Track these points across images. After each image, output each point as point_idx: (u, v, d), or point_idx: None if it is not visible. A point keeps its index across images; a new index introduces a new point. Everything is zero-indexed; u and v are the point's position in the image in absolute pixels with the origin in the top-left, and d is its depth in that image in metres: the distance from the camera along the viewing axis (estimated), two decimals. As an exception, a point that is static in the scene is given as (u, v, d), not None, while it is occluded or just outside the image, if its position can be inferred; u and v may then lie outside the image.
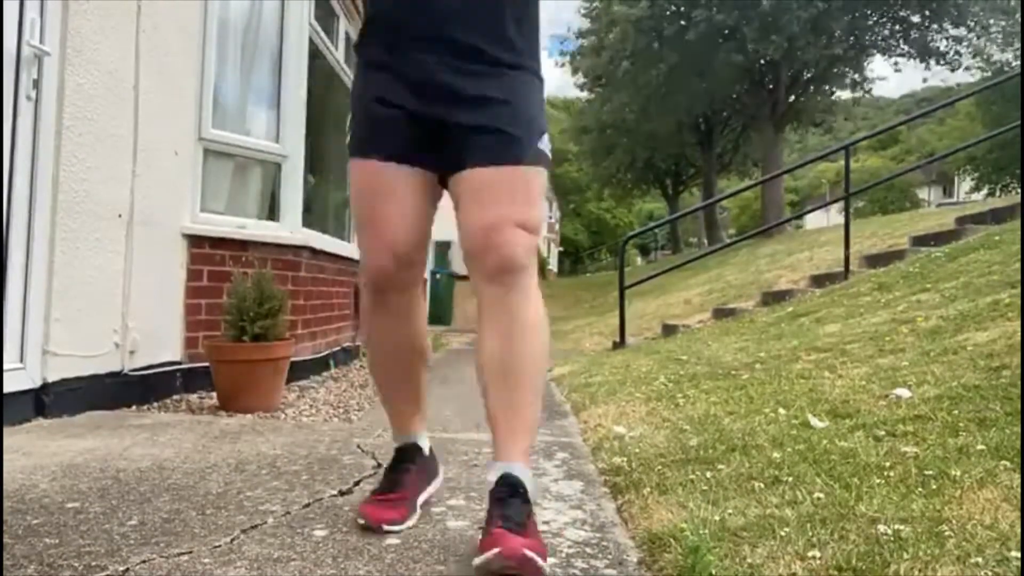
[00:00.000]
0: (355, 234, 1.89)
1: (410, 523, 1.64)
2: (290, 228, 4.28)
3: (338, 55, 5.39)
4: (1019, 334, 2.87)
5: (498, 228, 1.46)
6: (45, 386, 2.80)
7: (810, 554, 1.38)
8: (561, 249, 46.47)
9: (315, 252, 4.60)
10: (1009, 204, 7.55)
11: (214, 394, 3.39)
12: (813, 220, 28.30)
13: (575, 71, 24.99)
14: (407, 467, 1.75)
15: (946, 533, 1.44)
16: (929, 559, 1.33)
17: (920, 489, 1.71)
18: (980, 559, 1.32)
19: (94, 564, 1.39)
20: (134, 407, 3.25)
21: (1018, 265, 4.06)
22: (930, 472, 1.80)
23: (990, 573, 1.27)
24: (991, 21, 19.22)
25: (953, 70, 19.98)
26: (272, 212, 4.29)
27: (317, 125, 4.90)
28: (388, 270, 1.60)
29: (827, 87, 21.70)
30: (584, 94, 27.67)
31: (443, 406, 3.49)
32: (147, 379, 3.38)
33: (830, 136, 27.73)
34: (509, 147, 1.49)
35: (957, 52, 19.71)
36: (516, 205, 1.48)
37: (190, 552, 1.46)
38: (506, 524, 1.35)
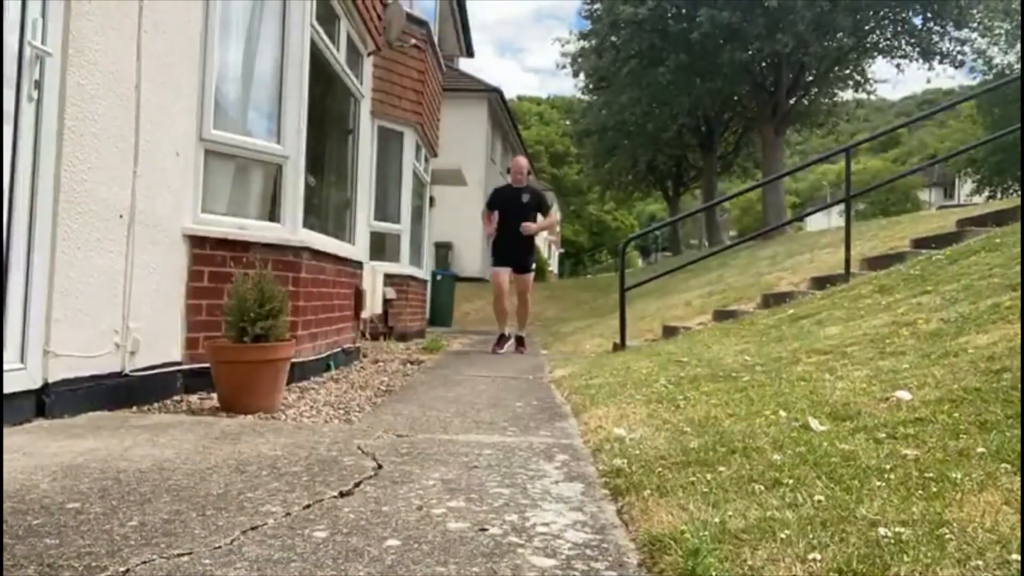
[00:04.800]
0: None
1: (505, 350, 7.31)
2: (291, 229, 4.28)
3: (339, 56, 5.39)
4: (1020, 337, 2.87)
5: (525, 281, 7.39)
6: (46, 386, 2.81)
7: (811, 556, 1.38)
8: (562, 251, 46.44)
9: (316, 253, 4.60)
10: (1010, 206, 7.53)
11: (215, 395, 3.39)
12: (814, 222, 28.34)
13: (576, 74, 24.96)
14: (506, 339, 7.41)
15: (947, 536, 1.44)
16: (930, 562, 1.33)
17: (921, 492, 1.71)
18: (981, 562, 1.32)
19: (94, 565, 1.39)
20: (135, 408, 3.26)
21: (1019, 268, 4.06)
22: (931, 475, 1.80)
23: (991, 576, 1.27)
24: (993, 23, 19.23)
25: (956, 67, 19.98)
26: (273, 213, 4.30)
27: (318, 126, 4.90)
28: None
29: (828, 88, 21.68)
30: (585, 96, 27.66)
31: (444, 407, 3.49)
32: (148, 380, 3.39)
33: (831, 138, 27.70)
34: (527, 267, 7.32)
35: (960, 52, 19.69)
36: (526, 280, 7.35)
37: (190, 553, 1.46)
38: (518, 347, 7.48)
